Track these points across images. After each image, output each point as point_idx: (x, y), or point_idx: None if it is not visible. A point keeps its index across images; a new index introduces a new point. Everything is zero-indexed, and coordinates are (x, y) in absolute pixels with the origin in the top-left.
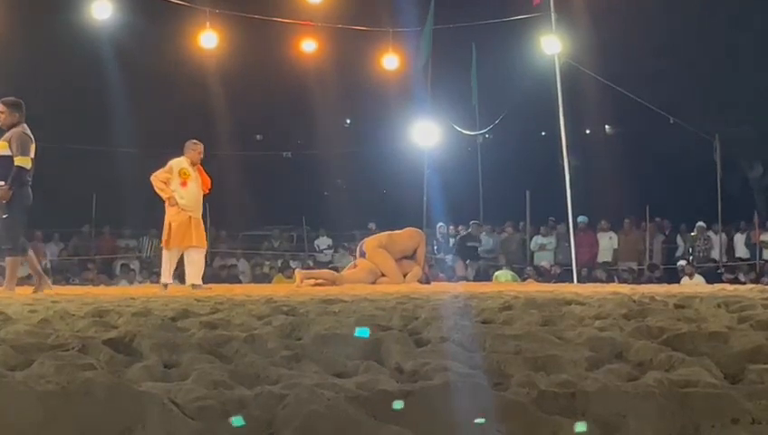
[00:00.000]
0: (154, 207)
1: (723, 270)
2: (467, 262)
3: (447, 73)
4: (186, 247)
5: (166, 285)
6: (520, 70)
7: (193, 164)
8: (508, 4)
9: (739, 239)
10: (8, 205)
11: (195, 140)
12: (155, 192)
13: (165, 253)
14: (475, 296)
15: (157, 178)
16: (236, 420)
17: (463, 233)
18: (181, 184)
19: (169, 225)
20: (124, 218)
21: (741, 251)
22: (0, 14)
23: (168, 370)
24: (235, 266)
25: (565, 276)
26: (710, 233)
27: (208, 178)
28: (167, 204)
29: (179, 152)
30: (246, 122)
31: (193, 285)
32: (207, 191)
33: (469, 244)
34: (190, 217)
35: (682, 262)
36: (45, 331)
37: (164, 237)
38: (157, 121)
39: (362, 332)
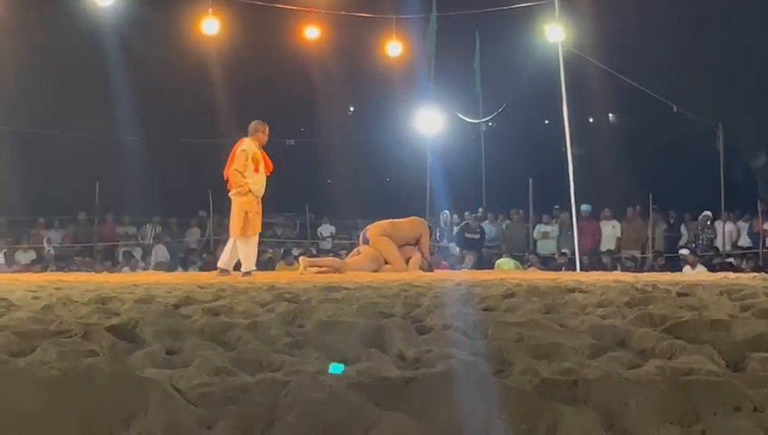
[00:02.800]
0: (157, 194)
1: (721, 259)
2: (464, 251)
3: (451, 61)
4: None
5: (249, 272)
6: (523, 58)
7: (260, 147)
8: None
9: (742, 228)
10: None
11: (261, 122)
12: (227, 185)
13: (242, 241)
14: (477, 284)
15: (238, 174)
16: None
17: (464, 222)
18: (254, 170)
19: (246, 213)
20: (126, 206)
21: (744, 240)
22: (2, 1)
23: (170, 356)
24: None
25: (568, 265)
26: (716, 222)
27: (270, 162)
28: (238, 192)
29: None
30: (249, 110)
31: (245, 272)
32: (270, 174)
33: (468, 235)
34: (258, 202)
35: (684, 251)
36: (48, 317)
37: (239, 226)
38: (159, 109)
39: (336, 368)
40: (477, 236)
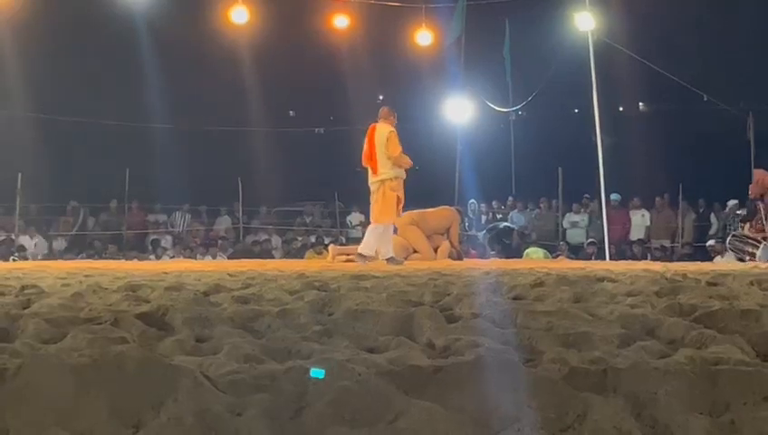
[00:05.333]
0: (187, 182)
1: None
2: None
3: (481, 50)
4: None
5: (393, 259)
6: (553, 46)
7: None
8: None
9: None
10: None
11: (391, 108)
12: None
13: (387, 228)
14: (506, 273)
15: (404, 155)
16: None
17: (501, 226)
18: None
19: (398, 199)
20: (156, 193)
21: None
22: None
23: (199, 344)
24: (268, 242)
25: (597, 254)
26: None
27: None
28: (399, 174)
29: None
30: (279, 98)
31: (390, 259)
32: None
33: (505, 240)
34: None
35: (711, 242)
36: (78, 304)
37: (391, 211)
38: (189, 97)
39: (317, 373)
40: (510, 242)
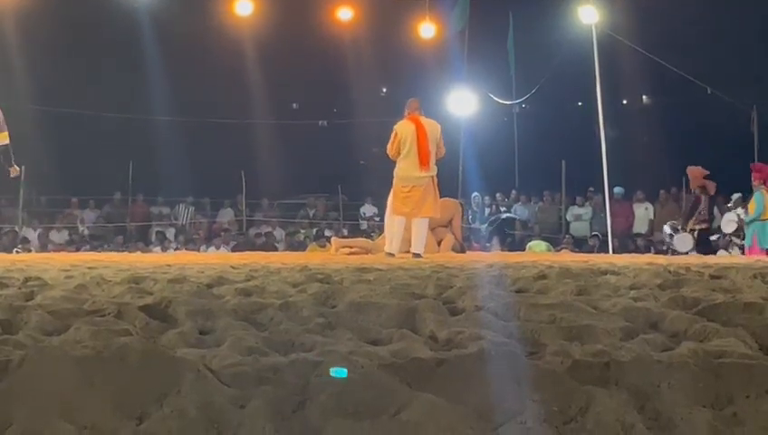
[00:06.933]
0: (191, 174)
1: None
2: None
3: (484, 42)
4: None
5: (420, 256)
6: (557, 39)
7: None
8: None
9: None
10: None
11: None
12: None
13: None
14: (509, 266)
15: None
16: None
17: (503, 216)
18: None
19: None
20: (160, 186)
21: None
22: None
23: (202, 336)
24: (271, 234)
25: (600, 247)
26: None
27: None
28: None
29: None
30: (282, 91)
31: (417, 254)
32: None
33: (508, 230)
34: None
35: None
36: (82, 296)
37: (438, 205)
38: (192, 90)
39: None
40: (513, 231)
